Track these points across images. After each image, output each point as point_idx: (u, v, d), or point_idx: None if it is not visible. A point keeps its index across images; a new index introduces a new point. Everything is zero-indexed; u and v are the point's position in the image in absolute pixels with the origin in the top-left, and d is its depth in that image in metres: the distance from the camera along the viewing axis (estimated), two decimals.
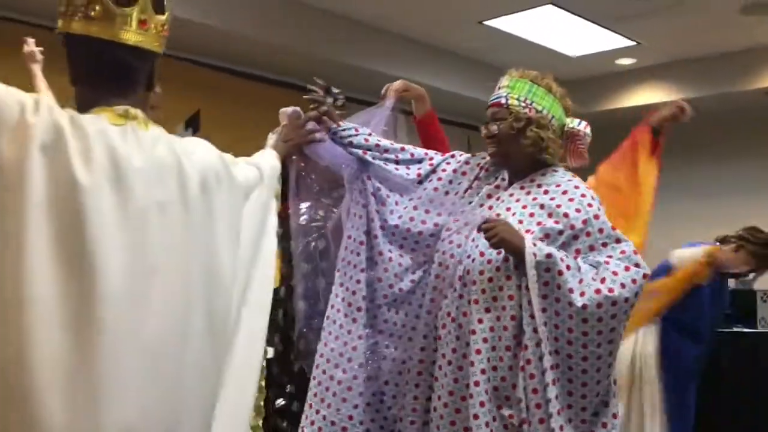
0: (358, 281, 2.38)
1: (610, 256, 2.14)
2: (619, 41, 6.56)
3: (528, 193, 2.25)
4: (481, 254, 2.19)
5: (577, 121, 2.34)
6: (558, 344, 2.10)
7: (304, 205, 2.68)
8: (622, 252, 2.14)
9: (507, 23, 6.14)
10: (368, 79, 6.64)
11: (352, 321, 2.36)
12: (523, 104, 2.25)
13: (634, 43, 6.60)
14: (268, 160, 1.94)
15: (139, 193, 1.43)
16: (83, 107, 1.49)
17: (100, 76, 1.51)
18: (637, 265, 2.13)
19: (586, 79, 7.38)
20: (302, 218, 2.78)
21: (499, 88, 2.31)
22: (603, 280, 2.08)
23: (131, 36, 1.49)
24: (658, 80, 7.26)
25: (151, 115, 2.34)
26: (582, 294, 2.07)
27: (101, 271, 1.37)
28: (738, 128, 7.33)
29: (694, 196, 7.36)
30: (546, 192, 2.23)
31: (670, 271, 4.05)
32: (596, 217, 2.17)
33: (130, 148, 1.45)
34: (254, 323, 1.77)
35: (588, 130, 2.34)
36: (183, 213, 1.50)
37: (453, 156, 2.48)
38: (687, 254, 4.08)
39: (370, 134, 2.41)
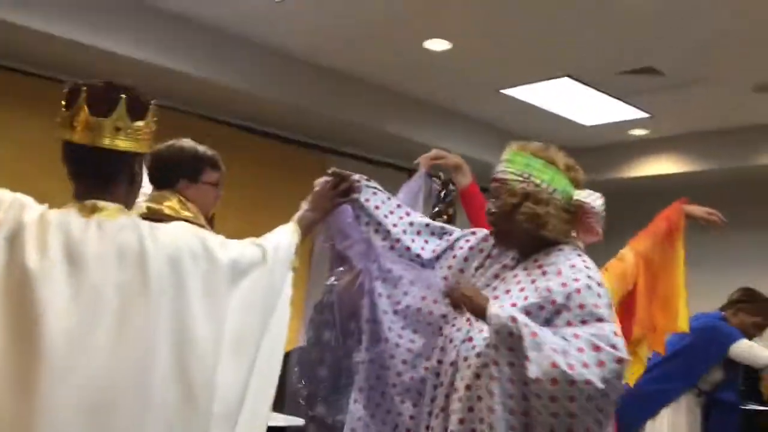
0: (360, 371, 2.33)
1: (585, 332, 1.90)
2: (633, 113, 6.69)
3: (528, 274, 2.08)
4: (469, 339, 2.04)
5: (586, 193, 2.13)
6: (528, 419, 1.90)
7: (338, 270, 2.73)
8: (600, 330, 1.89)
9: (524, 93, 6.30)
10: (388, 142, 6.82)
11: (352, 412, 2.32)
12: (521, 178, 2.09)
13: (647, 115, 6.73)
14: (278, 237, 2.02)
15: (93, 275, 1.61)
16: (74, 200, 1.73)
17: (83, 174, 1.73)
18: (613, 347, 1.86)
19: (600, 147, 7.51)
20: (331, 278, 2.87)
21: (501, 162, 2.18)
22: (565, 354, 1.84)
23: (107, 141, 1.69)
24: (670, 152, 7.37)
25: (213, 192, 2.59)
26: (539, 365, 1.83)
27: (44, 343, 1.54)
28: (746, 202, 7.41)
29: (701, 267, 7.41)
30: (544, 273, 2.04)
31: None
32: (578, 291, 1.96)
33: (90, 237, 1.64)
34: (260, 395, 1.87)
35: (598, 203, 2.12)
36: (142, 291, 1.64)
37: (473, 233, 2.34)
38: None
39: (389, 197, 2.37)
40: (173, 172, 2.55)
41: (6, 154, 4.93)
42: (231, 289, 1.80)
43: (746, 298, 4.32)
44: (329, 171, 2.29)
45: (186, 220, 2.35)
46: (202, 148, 2.64)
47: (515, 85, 6.15)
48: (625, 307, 3.12)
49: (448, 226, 2.41)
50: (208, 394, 1.71)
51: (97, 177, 1.73)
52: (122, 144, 1.71)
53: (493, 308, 1.94)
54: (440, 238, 2.35)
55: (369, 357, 2.31)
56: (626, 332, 3.03)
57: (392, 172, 6.66)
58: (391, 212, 2.33)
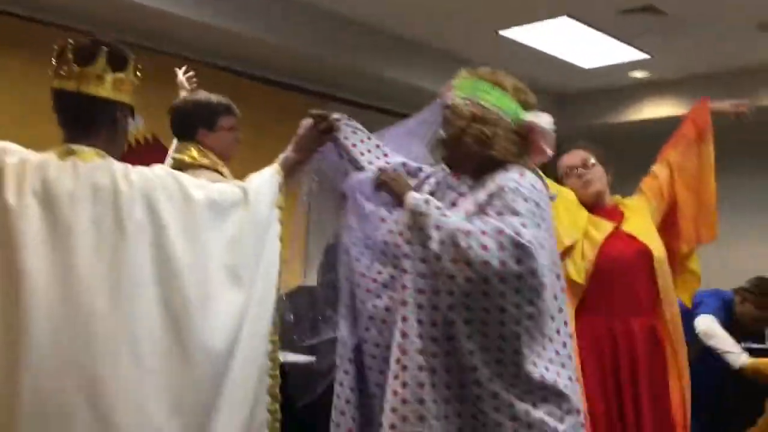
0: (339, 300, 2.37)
1: (495, 220, 1.93)
2: (633, 54, 6.61)
3: (475, 195, 2.09)
4: None
5: (534, 113, 2.13)
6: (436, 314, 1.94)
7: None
8: (510, 220, 1.91)
9: (523, 34, 6.20)
10: (384, 86, 6.72)
11: (339, 339, 2.34)
12: (467, 102, 2.12)
13: (648, 56, 6.65)
14: (260, 178, 2.14)
15: (66, 213, 1.77)
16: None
17: (68, 121, 1.91)
18: (517, 233, 1.87)
19: (600, 90, 7.43)
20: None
21: (450, 90, 2.22)
22: (467, 235, 1.89)
23: (90, 88, 1.87)
24: (671, 94, 7.29)
25: (230, 136, 2.84)
26: (440, 242, 1.91)
27: (26, 271, 1.71)
28: (750, 145, 7.34)
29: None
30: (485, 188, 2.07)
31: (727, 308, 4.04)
32: (502, 189, 1.98)
33: (65, 176, 1.80)
34: (256, 327, 2.00)
35: (545, 121, 2.11)
36: (117, 227, 1.79)
37: (443, 168, 2.32)
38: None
39: (369, 137, 2.38)
40: (191, 123, 2.84)
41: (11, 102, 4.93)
42: (212, 227, 1.93)
43: (754, 290, 4.15)
44: (310, 112, 2.32)
45: (204, 167, 2.63)
46: (215, 97, 2.90)
47: (514, 26, 6.04)
48: (670, 223, 3.11)
49: (425, 166, 2.40)
50: (195, 323, 1.83)
51: (79, 123, 1.89)
52: (104, 92, 1.88)
53: (413, 192, 2.06)
54: (415, 177, 2.35)
55: (342, 286, 2.36)
56: (672, 249, 3.02)
57: (388, 118, 6.56)
58: (369, 150, 2.35)
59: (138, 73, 1.94)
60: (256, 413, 1.98)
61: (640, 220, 3.03)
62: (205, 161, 2.69)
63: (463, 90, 2.17)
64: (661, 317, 2.92)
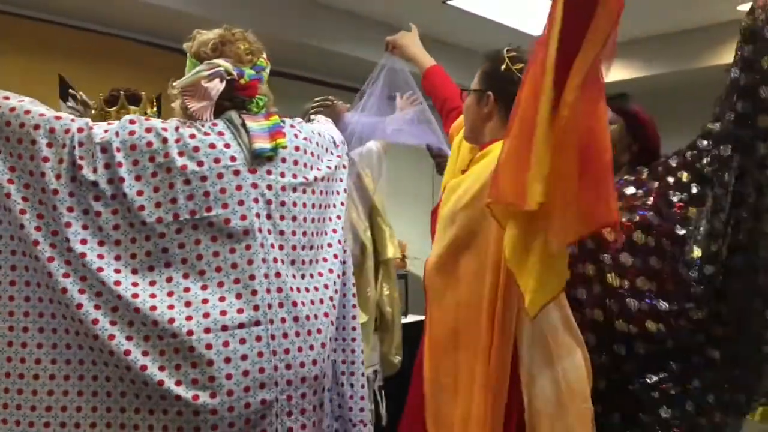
0: None
1: None
2: None
3: None
4: None
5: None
6: None
7: None
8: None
9: (471, 3, 6.15)
10: (330, 61, 6.62)
11: None
12: None
13: None
14: None
15: None
16: None
17: None
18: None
19: None
20: None
21: None
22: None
23: None
24: (620, 58, 7.30)
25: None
26: None
27: None
28: (697, 104, 7.42)
29: None
30: None
31: None
32: None
33: None
34: None
35: (180, 81, 2.07)
36: None
37: None
38: None
39: None
40: None
41: None
42: None
43: None
44: None
45: None
46: None
47: None
48: None
49: None
50: None
51: None
52: None
53: None
54: None
55: None
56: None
57: (337, 93, 6.50)
58: None
59: None
60: None
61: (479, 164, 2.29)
62: None
63: None
64: None
